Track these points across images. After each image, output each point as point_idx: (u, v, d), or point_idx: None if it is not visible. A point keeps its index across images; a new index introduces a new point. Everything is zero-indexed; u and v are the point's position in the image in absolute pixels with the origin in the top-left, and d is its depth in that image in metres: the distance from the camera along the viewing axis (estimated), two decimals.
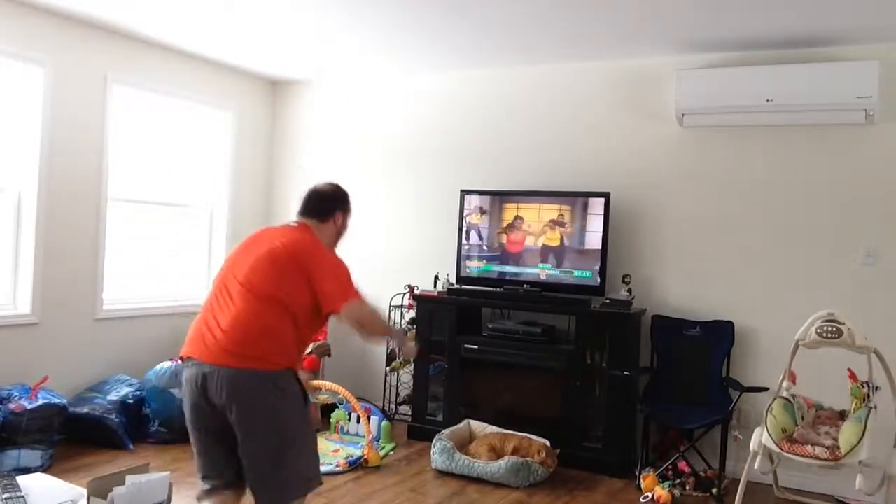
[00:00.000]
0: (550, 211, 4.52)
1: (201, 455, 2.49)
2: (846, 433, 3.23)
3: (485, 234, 4.71)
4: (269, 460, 2.40)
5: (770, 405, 3.46)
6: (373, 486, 3.85)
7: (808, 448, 3.26)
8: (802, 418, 3.52)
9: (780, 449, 3.31)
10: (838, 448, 3.22)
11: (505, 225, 4.66)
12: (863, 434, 3.16)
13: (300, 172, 5.65)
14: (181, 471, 3.84)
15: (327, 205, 2.73)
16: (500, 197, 4.68)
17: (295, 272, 2.48)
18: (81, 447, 4.09)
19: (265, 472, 2.40)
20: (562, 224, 4.49)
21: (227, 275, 2.54)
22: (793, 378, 3.53)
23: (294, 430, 2.46)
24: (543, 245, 4.54)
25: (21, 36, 4.12)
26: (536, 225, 4.56)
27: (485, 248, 4.71)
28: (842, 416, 3.53)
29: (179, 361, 2.47)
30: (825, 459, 3.22)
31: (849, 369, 3.48)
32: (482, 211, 4.72)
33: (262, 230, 2.72)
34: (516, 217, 4.62)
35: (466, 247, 4.76)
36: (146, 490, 1.71)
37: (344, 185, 2.86)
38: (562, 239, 4.49)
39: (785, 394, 3.52)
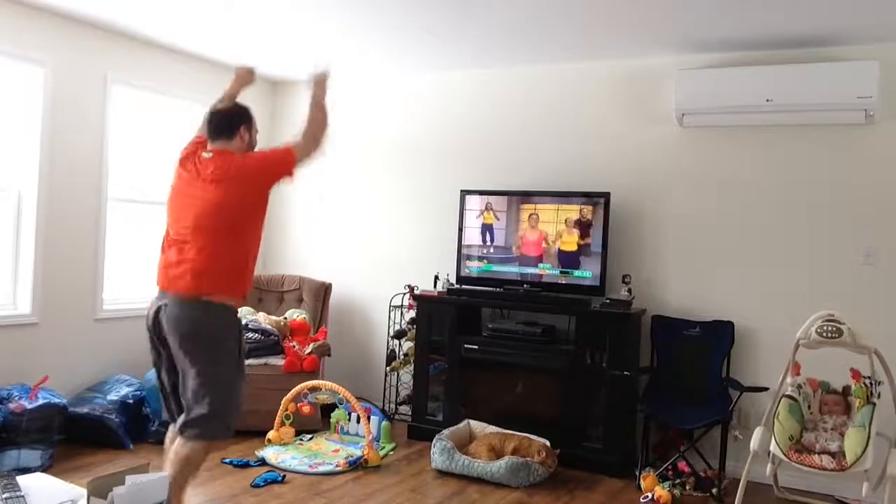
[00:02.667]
0: (550, 211, 4.52)
1: (163, 384, 2.86)
2: (851, 440, 3.24)
3: (485, 233, 4.71)
4: (197, 390, 2.70)
5: (776, 408, 3.46)
6: (373, 486, 3.85)
7: (815, 458, 3.29)
8: (809, 408, 3.53)
9: (788, 458, 3.32)
10: (844, 457, 3.23)
11: (505, 225, 4.65)
12: (867, 443, 3.17)
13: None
14: None
15: (230, 122, 2.89)
16: (500, 197, 4.68)
17: (238, 186, 2.74)
18: (81, 447, 4.09)
19: (193, 400, 2.72)
20: (562, 224, 4.48)
21: (173, 215, 2.82)
22: (796, 369, 3.53)
23: (224, 368, 2.75)
24: (543, 245, 4.54)
25: (21, 36, 4.12)
26: (536, 224, 4.56)
27: (485, 247, 4.71)
28: (846, 395, 3.55)
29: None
30: (832, 469, 3.23)
31: (852, 369, 3.49)
32: (482, 211, 4.72)
33: (189, 159, 2.90)
34: (516, 217, 4.62)
35: (466, 247, 4.76)
36: (146, 490, 1.71)
37: (242, 102, 3.03)
38: (562, 239, 4.48)
39: (790, 390, 3.51)
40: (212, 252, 2.70)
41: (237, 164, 2.79)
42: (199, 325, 2.70)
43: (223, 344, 2.77)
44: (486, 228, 4.70)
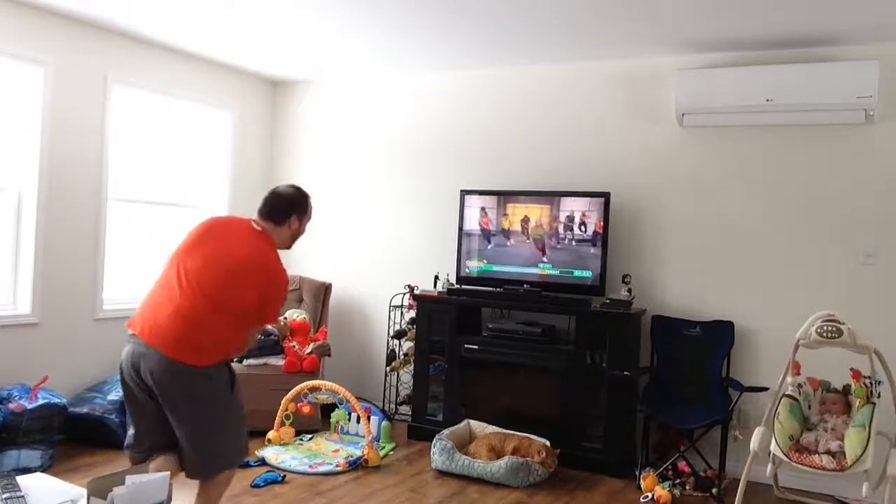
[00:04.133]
0: (550, 210, 4.52)
1: (134, 423, 2.70)
2: (851, 440, 3.24)
3: (485, 233, 4.71)
4: (193, 442, 2.60)
5: (776, 408, 3.46)
6: (373, 486, 3.85)
7: (816, 458, 3.29)
8: (809, 407, 3.53)
9: (789, 459, 3.32)
10: (844, 457, 3.23)
11: (505, 225, 4.65)
12: (867, 443, 3.17)
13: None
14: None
15: (285, 209, 2.83)
16: (501, 197, 4.68)
17: (247, 285, 2.61)
18: (81, 447, 4.09)
19: (191, 450, 2.62)
20: (562, 224, 4.49)
21: (181, 263, 2.65)
22: (796, 369, 3.52)
23: (218, 417, 2.65)
24: (543, 245, 4.54)
25: (21, 36, 4.12)
26: (536, 224, 4.56)
27: (485, 247, 4.71)
28: (846, 394, 3.55)
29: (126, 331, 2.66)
30: (832, 469, 3.23)
31: (851, 368, 3.48)
32: (482, 211, 4.72)
33: (221, 221, 2.83)
34: (516, 216, 4.62)
35: (466, 247, 4.76)
36: (146, 490, 1.71)
37: (304, 188, 2.96)
38: (562, 239, 4.48)
39: (790, 390, 3.51)
40: (202, 322, 2.57)
41: (267, 263, 2.71)
42: (186, 385, 2.58)
43: (214, 398, 2.66)
44: (486, 228, 4.70)
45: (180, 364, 2.52)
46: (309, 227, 2.97)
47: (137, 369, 2.56)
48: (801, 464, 3.29)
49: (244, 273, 2.62)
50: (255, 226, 2.78)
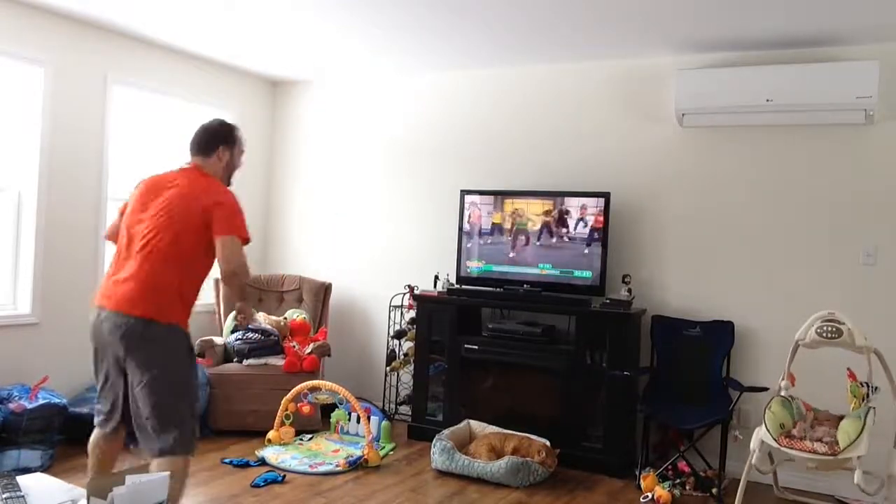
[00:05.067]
0: (550, 210, 4.52)
1: (99, 392, 2.75)
2: (845, 428, 3.23)
3: (485, 233, 4.71)
4: (151, 398, 2.58)
5: (769, 403, 3.47)
6: (373, 486, 3.85)
7: (807, 443, 3.26)
8: (803, 419, 3.52)
9: (779, 444, 3.30)
10: (837, 443, 3.21)
11: (505, 225, 4.65)
12: (862, 429, 3.16)
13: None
14: None
15: (210, 140, 2.83)
16: (501, 197, 4.68)
17: (190, 216, 2.62)
18: (81, 447, 4.06)
19: (148, 409, 2.59)
20: (562, 224, 4.49)
21: (128, 227, 2.71)
22: (791, 379, 3.53)
23: (179, 378, 2.65)
24: (543, 245, 4.54)
25: (21, 36, 4.12)
26: (536, 225, 4.56)
27: (485, 247, 4.71)
28: (840, 420, 3.52)
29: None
30: (823, 454, 3.21)
31: (848, 368, 3.48)
32: (482, 211, 4.72)
33: (155, 178, 2.81)
34: (516, 217, 4.62)
35: (466, 247, 4.76)
36: (146, 490, 1.71)
37: (229, 122, 2.95)
38: (562, 239, 4.48)
39: (784, 393, 3.52)
40: (157, 273, 2.61)
41: (216, 188, 2.75)
42: (147, 342, 2.61)
43: (175, 357, 2.67)
44: (486, 228, 4.70)
45: (140, 318, 2.56)
46: (244, 160, 2.97)
47: (103, 333, 2.62)
48: (792, 448, 3.27)
49: (176, 200, 2.64)
50: (185, 166, 2.80)
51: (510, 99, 5.00)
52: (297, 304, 5.31)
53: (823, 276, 4.12)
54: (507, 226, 4.65)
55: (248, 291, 2.93)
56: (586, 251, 4.41)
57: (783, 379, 3.54)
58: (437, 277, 4.94)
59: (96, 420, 2.80)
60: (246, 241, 2.71)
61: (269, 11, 4.05)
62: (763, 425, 3.40)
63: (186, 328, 2.71)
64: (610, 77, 4.68)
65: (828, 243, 4.12)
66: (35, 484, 2.19)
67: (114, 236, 2.84)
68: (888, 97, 3.92)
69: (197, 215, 2.64)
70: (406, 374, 5.05)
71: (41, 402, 3.84)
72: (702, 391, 4.18)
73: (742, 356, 4.26)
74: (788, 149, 4.22)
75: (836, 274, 4.09)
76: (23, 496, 2.02)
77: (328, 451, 4.33)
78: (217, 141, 2.84)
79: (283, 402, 4.44)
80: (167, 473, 1.83)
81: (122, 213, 2.83)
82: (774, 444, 3.32)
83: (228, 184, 2.91)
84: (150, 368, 2.59)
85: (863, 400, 3.36)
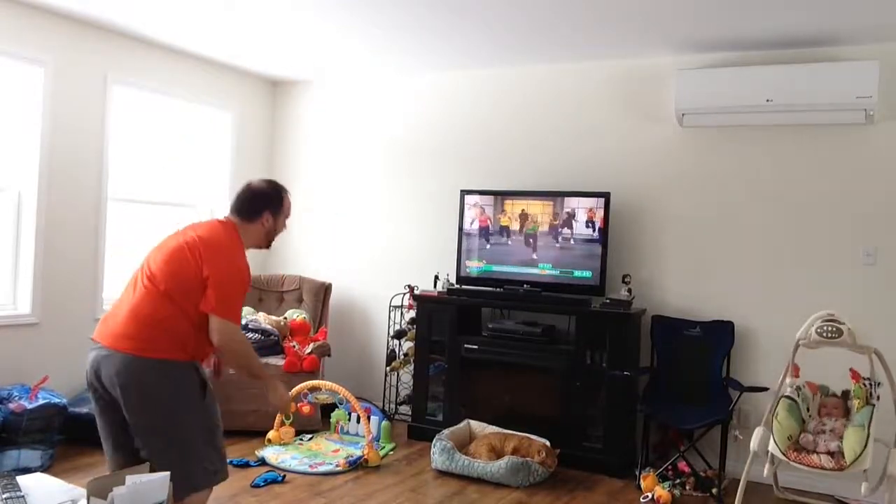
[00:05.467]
0: (551, 210, 4.52)
1: (102, 437, 2.46)
2: (850, 440, 3.24)
3: (485, 233, 4.71)
4: (152, 451, 2.33)
5: (775, 408, 3.46)
6: (373, 486, 3.85)
7: (814, 458, 3.28)
8: (808, 410, 3.53)
9: (787, 458, 3.32)
10: (843, 457, 3.22)
11: (505, 225, 4.65)
12: (866, 442, 3.17)
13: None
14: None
15: (256, 204, 2.63)
16: (501, 197, 4.68)
17: (193, 268, 2.40)
18: (81, 447, 4.09)
19: (157, 459, 2.30)
20: (562, 224, 4.49)
21: (144, 264, 2.51)
22: (796, 371, 3.52)
23: (184, 425, 2.39)
24: (543, 245, 4.54)
25: (21, 36, 4.12)
26: (536, 225, 4.56)
27: (484, 247, 4.71)
28: (846, 399, 3.55)
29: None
30: (831, 469, 3.23)
31: (851, 369, 3.48)
32: (482, 211, 4.72)
33: (191, 224, 2.62)
34: (516, 217, 4.62)
35: (466, 247, 4.76)
36: (146, 490, 1.71)
37: (281, 184, 2.75)
38: (562, 239, 4.48)
39: (789, 391, 3.51)
40: (153, 311, 2.38)
41: (217, 234, 2.52)
42: (145, 381, 2.37)
43: (177, 398, 2.42)
44: (486, 228, 4.70)
45: (137, 357, 2.33)
46: (289, 223, 2.78)
47: (98, 374, 2.39)
48: (800, 463, 3.29)
49: (190, 254, 2.41)
50: (221, 220, 2.62)
51: (510, 99, 5.00)
52: (297, 304, 5.31)
53: (823, 276, 4.12)
54: (507, 226, 4.65)
55: (256, 372, 2.58)
56: (586, 251, 4.41)
57: (787, 375, 3.53)
58: (437, 277, 4.94)
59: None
60: (238, 323, 2.48)
61: (269, 11, 4.05)
62: (771, 435, 3.39)
63: (186, 360, 2.44)
64: (610, 77, 4.68)
65: (828, 243, 4.12)
66: (35, 484, 2.19)
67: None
68: (888, 97, 3.92)
69: (197, 271, 2.42)
70: (406, 374, 5.05)
71: (41, 402, 3.83)
72: (702, 391, 4.18)
73: (742, 356, 4.26)
74: (788, 149, 4.22)
75: (836, 274, 4.09)
76: (23, 496, 2.02)
77: (328, 451, 4.33)
78: (265, 205, 2.63)
79: None
80: (167, 473, 1.83)
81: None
82: (784, 458, 3.33)
83: (267, 247, 2.73)
84: (146, 411, 2.36)
85: (867, 398, 3.37)
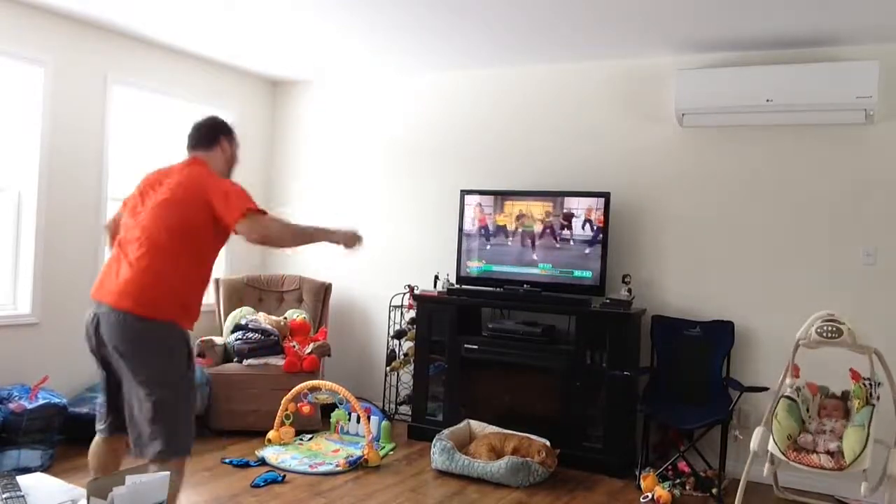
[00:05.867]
0: (550, 210, 4.52)
1: (102, 392, 2.66)
2: (850, 439, 3.24)
3: (485, 233, 4.71)
4: (143, 403, 2.48)
5: (775, 408, 3.46)
6: (373, 486, 3.85)
7: (814, 457, 3.28)
8: (808, 410, 3.53)
9: (787, 458, 3.32)
10: (843, 457, 3.22)
11: (505, 225, 4.65)
12: (866, 442, 3.17)
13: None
14: None
15: (211, 132, 2.80)
16: (501, 197, 4.68)
17: (194, 205, 2.55)
18: (81, 447, 4.06)
19: (140, 414, 2.50)
20: (562, 224, 4.49)
21: (128, 219, 2.63)
22: (796, 371, 3.52)
23: (175, 379, 2.54)
24: (543, 245, 4.54)
25: (21, 36, 4.12)
26: (537, 225, 4.56)
27: (484, 247, 4.71)
28: (846, 400, 3.55)
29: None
30: (830, 469, 3.23)
31: (851, 369, 3.49)
32: (482, 211, 4.72)
33: (158, 171, 2.75)
34: (516, 217, 4.62)
35: (466, 247, 4.76)
36: (146, 490, 1.71)
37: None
38: (562, 239, 4.49)
39: (789, 391, 3.51)
40: (154, 268, 2.52)
41: (193, 170, 2.66)
42: (141, 339, 2.52)
43: (171, 358, 2.57)
44: (486, 228, 4.70)
45: (136, 316, 2.47)
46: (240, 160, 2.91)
47: (97, 330, 2.53)
48: (800, 463, 3.29)
49: (183, 194, 2.57)
50: (186, 161, 2.75)
51: (510, 99, 5.00)
52: (297, 304, 5.31)
53: (823, 276, 4.12)
54: (508, 226, 4.65)
55: (310, 232, 2.78)
56: (586, 251, 4.41)
57: (786, 376, 3.53)
58: (437, 277, 4.94)
59: (97, 424, 2.73)
60: (260, 212, 2.61)
61: (269, 11, 4.05)
62: (770, 434, 3.39)
63: (185, 327, 2.61)
64: (610, 77, 4.68)
65: (828, 243, 4.12)
66: (35, 484, 2.19)
67: (113, 228, 2.78)
68: (888, 97, 3.92)
69: (200, 208, 2.56)
70: (406, 374, 5.05)
71: (41, 402, 3.84)
72: (702, 391, 4.18)
73: (742, 356, 4.26)
74: (788, 149, 4.22)
75: (836, 274, 4.09)
76: (23, 496, 2.02)
77: (328, 451, 4.33)
78: (219, 132, 2.82)
79: (283, 402, 4.44)
80: (167, 473, 1.83)
81: (124, 205, 2.76)
82: (783, 458, 3.33)
83: (228, 177, 2.84)
84: (144, 367, 2.51)
85: (867, 399, 3.37)
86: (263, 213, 2.61)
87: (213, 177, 2.67)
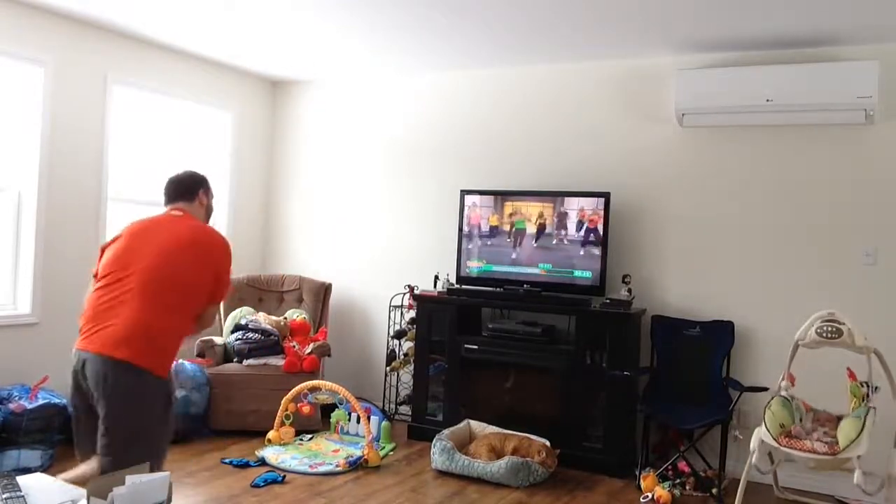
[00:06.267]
0: (550, 210, 4.52)
1: (76, 435, 2.67)
2: (845, 428, 3.23)
3: (485, 233, 4.71)
4: (108, 439, 2.48)
5: (769, 402, 3.47)
6: (373, 486, 3.85)
7: (807, 443, 3.26)
8: (801, 420, 3.52)
9: (778, 444, 3.30)
10: (837, 443, 3.21)
11: (505, 225, 4.65)
12: (862, 428, 3.16)
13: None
14: (181, 471, 3.84)
15: (190, 186, 2.89)
16: (501, 197, 4.68)
17: (197, 263, 2.63)
18: None
19: (104, 448, 2.48)
20: (562, 224, 4.49)
21: (122, 266, 2.59)
22: (791, 379, 3.53)
23: (145, 424, 2.54)
24: (543, 245, 4.54)
25: (21, 36, 4.12)
26: (536, 224, 4.56)
27: (485, 247, 4.71)
28: (840, 420, 3.52)
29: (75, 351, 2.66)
30: (823, 454, 3.21)
31: (848, 368, 3.49)
32: (482, 211, 4.72)
33: (147, 221, 2.79)
34: (516, 216, 4.62)
35: (466, 247, 4.76)
36: (146, 490, 1.71)
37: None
38: (562, 239, 4.48)
39: (784, 393, 3.52)
40: (140, 314, 2.52)
41: (211, 235, 2.75)
42: (120, 385, 2.50)
43: (151, 408, 2.57)
44: (486, 228, 4.70)
45: (126, 363, 2.47)
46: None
47: (83, 373, 2.57)
48: (792, 448, 3.27)
49: (192, 253, 2.64)
50: (177, 214, 2.80)
51: (510, 99, 5.00)
52: (297, 304, 5.31)
53: (823, 276, 4.12)
54: (507, 226, 4.65)
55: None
56: (586, 251, 4.41)
57: (783, 379, 3.54)
58: (437, 277, 4.94)
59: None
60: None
61: (269, 11, 4.05)
62: (763, 425, 3.40)
63: (167, 377, 2.60)
64: (610, 77, 4.68)
65: (828, 243, 4.12)
66: (35, 484, 2.18)
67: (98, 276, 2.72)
68: (888, 97, 3.92)
69: (208, 276, 2.65)
70: (406, 374, 5.05)
71: (41, 402, 3.84)
72: (702, 391, 4.18)
73: (742, 356, 4.26)
74: (788, 149, 4.22)
75: (836, 274, 4.09)
76: (23, 496, 2.02)
77: (328, 451, 4.33)
78: (198, 185, 2.90)
79: (283, 402, 4.44)
80: (167, 473, 1.83)
81: (102, 253, 2.73)
82: (774, 444, 3.32)
83: (206, 223, 2.93)
84: (118, 415, 2.48)
85: (863, 400, 3.36)
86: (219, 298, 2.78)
87: (225, 253, 2.75)
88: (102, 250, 2.75)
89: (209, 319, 2.75)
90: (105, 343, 2.50)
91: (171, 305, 2.56)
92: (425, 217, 5.25)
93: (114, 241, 2.72)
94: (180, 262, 2.60)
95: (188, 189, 2.88)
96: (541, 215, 4.55)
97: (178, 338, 2.63)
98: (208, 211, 2.95)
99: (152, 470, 2.36)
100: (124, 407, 2.49)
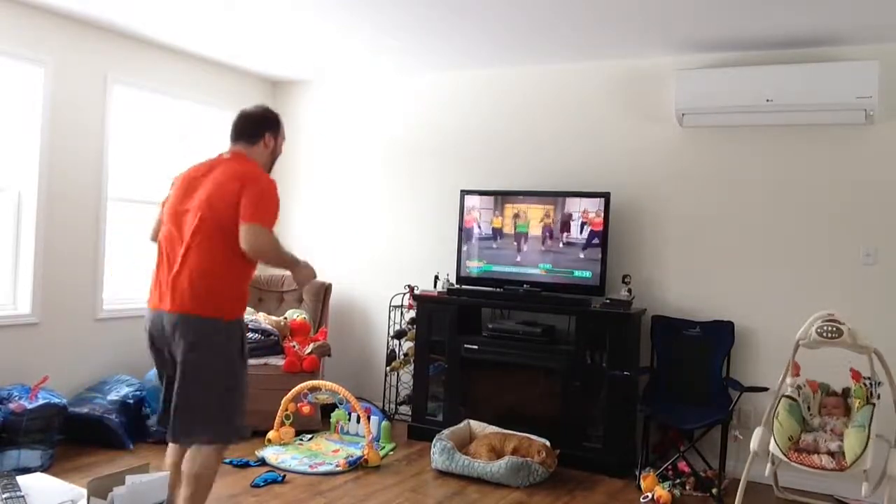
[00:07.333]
0: (550, 211, 4.52)
1: (163, 403, 2.72)
2: (851, 440, 3.23)
3: (485, 234, 4.71)
4: (183, 392, 2.55)
5: (776, 408, 3.46)
6: (373, 486, 3.85)
7: (815, 458, 3.28)
8: (809, 408, 3.53)
9: (788, 459, 3.32)
10: (844, 457, 3.22)
11: (505, 225, 4.65)
12: (867, 443, 3.17)
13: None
14: None
15: (256, 127, 2.77)
16: (501, 197, 4.68)
17: (229, 204, 2.56)
18: (81, 447, 4.09)
19: (179, 401, 2.56)
20: (562, 224, 4.49)
21: (171, 223, 2.65)
22: (796, 370, 3.52)
23: (219, 374, 2.59)
24: (543, 245, 4.54)
25: (21, 36, 4.12)
26: (536, 225, 4.56)
27: (485, 247, 4.71)
28: (846, 397, 3.56)
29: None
30: (832, 469, 3.23)
31: (851, 368, 3.49)
32: (482, 211, 4.72)
33: (194, 168, 2.74)
34: (516, 217, 4.62)
35: (466, 247, 4.76)
36: (146, 490, 1.71)
37: (273, 110, 2.90)
38: (562, 239, 4.49)
39: (789, 391, 3.51)
40: (200, 266, 2.57)
41: (253, 172, 2.65)
42: (200, 338, 2.58)
43: (225, 352, 2.64)
44: (486, 228, 4.70)
45: (196, 315, 2.54)
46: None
47: (159, 329, 2.60)
48: (801, 464, 3.29)
49: (216, 189, 2.58)
50: (228, 155, 2.73)
51: (510, 99, 5.00)
52: (297, 304, 5.31)
53: (823, 276, 4.12)
54: (507, 226, 4.65)
55: (287, 259, 2.81)
56: (586, 251, 4.41)
57: (787, 375, 3.53)
58: (437, 277, 4.94)
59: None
60: (270, 227, 2.65)
61: (269, 11, 4.05)
62: (772, 435, 3.39)
63: (239, 319, 2.69)
64: (610, 77, 4.68)
65: (828, 243, 4.12)
66: (35, 484, 2.19)
67: (158, 235, 2.77)
68: (888, 97, 3.92)
69: (234, 204, 2.56)
70: (406, 374, 5.05)
71: (41, 402, 3.84)
72: (702, 391, 4.18)
73: (742, 356, 4.26)
74: (788, 149, 4.22)
75: (836, 274, 4.09)
76: (23, 496, 2.02)
77: (328, 451, 4.33)
78: (264, 127, 2.78)
79: (283, 402, 4.44)
80: (167, 473, 1.83)
81: (163, 208, 2.76)
82: (784, 459, 3.33)
83: (269, 171, 2.83)
84: (197, 361, 2.56)
85: (867, 399, 3.37)
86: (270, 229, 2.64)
87: (255, 172, 2.65)
88: (163, 205, 2.78)
89: (254, 242, 2.55)
90: (174, 300, 2.56)
91: (218, 251, 2.56)
92: (425, 217, 5.25)
93: (173, 191, 2.74)
94: (219, 207, 2.56)
95: (253, 129, 2.76)
96: (541, 215, 4.55)
97: (238, 279, 2.64)
98: (274, 154, 2.82)
99: (237, 408, 2.63)
100: (201, 355, 2.56)
